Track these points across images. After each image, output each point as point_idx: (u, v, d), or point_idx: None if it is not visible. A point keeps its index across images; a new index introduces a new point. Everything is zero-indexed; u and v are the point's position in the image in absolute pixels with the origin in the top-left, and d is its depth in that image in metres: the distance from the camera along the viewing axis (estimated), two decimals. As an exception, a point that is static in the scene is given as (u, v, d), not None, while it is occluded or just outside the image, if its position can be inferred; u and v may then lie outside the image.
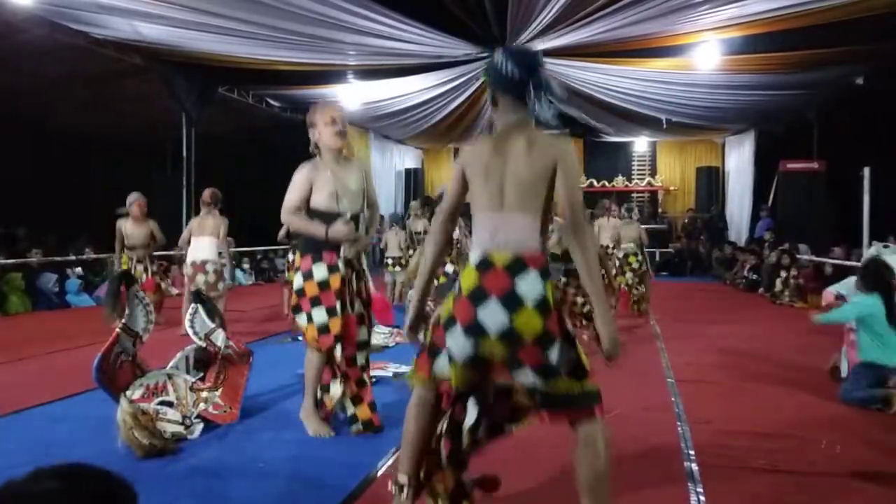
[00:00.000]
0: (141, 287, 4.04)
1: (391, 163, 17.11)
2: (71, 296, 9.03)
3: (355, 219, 3.29)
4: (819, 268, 9.93)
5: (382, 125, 14.76)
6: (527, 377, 1.93)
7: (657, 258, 14.79)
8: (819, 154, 12.11)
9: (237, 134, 13.58)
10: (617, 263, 7.47)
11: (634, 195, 17.46)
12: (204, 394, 3.54)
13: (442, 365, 2.02)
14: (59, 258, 9.39)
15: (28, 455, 3.03)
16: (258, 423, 3.61)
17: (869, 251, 5.53)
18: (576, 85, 11.30)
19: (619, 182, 17.31)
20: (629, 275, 7.50)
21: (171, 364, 3.67)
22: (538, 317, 1.90)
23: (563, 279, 5.58)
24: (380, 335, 5.77)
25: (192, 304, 3.90)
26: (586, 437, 1.96)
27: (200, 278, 6.18)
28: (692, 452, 3.15)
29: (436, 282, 3.43)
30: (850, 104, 10.57)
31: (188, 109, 10.12)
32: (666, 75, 10.39)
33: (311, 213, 3.27)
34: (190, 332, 3.75)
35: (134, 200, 6.74)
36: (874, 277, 4.26)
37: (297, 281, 3.34)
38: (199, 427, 3.42)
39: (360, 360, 3.38)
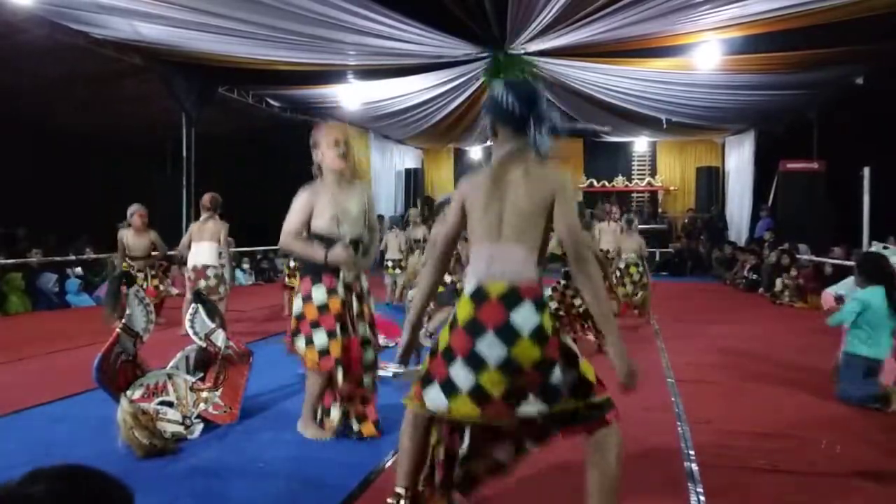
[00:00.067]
0: (140, 290, 4.04)
1: (391, 163, 17.11)
2: (71, 296, 9.03)
3: (355, 243, 3.28)
4: (819, 268, 9.93)
5: (382, 125, 14.77)
6: (532, 407, 1.93)
7: (657, 258, 14.80)
8: (819, 154, 12.11)
9: (237, 134, 13.58)
10: (618, 273, 7.47)
11: (634, 195, 17.46)
12: (204, 394, 3.54)
13: (433, 397, 2.00)
14: (59, 258, 9.39)
15: (28, 455, 3.03)
16: (258, 423, 3.61)
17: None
18: (576, 85, 11.31)
19: (619, 182, 17.29)
20: (630, 287, 7.50)
21: (171, 364, 3.67)
22: (536, 347, 1.91)
23: (563, 281, 5.58)
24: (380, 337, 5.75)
25: (193, 305, 3.90)
26: (597, 443, 1.97)
27: (202, 283, 6.18)
28: (692, 452, 3.15)
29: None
30: (850, 104, 10.57)
31: (188, 109, 10.11)
32: (666, 75, 10.38)
33: (312, 237, 3.27)
34: (190, 332, 3.75)
35: (135, 211, 6.72)
36: (874, 269, 4.27)
37: (297, 305, 3.33)
38: (199, 427, 3.42)
39: (367, 381, 3.36)
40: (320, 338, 3.23)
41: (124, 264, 6.73)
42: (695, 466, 2.97)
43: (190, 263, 6.33)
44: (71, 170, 12.46)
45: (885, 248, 5.21)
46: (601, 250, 7.87)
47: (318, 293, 3.25)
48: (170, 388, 3.46)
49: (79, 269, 9.41)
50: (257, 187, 13.55)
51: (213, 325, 3.78)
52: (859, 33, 7.67)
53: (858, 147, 10.12)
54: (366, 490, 2.71)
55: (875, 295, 4.17)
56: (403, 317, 3.86)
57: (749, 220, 14.58)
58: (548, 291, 5.47)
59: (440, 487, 2.16)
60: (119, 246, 6.76)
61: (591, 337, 5.56)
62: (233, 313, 7.10)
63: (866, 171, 7.88)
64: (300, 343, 3.30)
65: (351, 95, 11.58)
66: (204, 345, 3.75)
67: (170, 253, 7.18)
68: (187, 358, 3.78)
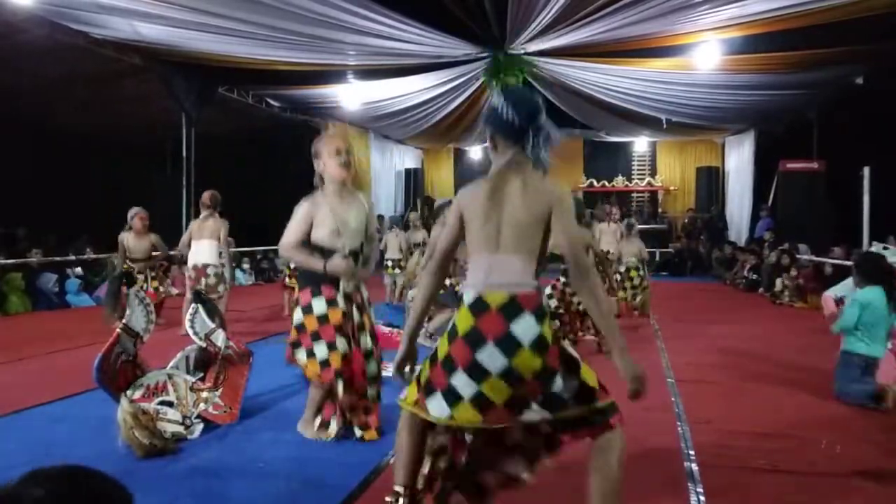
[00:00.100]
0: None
1: (391, 163, 17.10)
2: (71, 296, 9.03)
3: (354, 254, 3.27)
4: (819, 268, 9.92)
5: (382, 125, 14.76)
6: (534, 414, 1.94)
7: (657, 258, 14.80)
8: (819, 154, 12.10)
9: (237, 134, 13.58)
10: (618, 278, 7.48)
11: (634, 195, 17.47)
12: (204, 394, 3.54)
13: (436, 407, 2.01)
14: (59, 258, 9.39)
15: (28, 455, 3.03)
16: (258, 423, 3.61)
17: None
18: (576, 85, 11.31)
19: (619, 182, 17.29)
20: (630, 291, 7.52)
21: (171, 364, 3.68)
22: (536, 357, 1.91)
23: (562, 279, 5.59)
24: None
25: (193, 305, 3.90)
26: (600, 448, 1.97)
27: (202, 282, 6.19)
28: (692, 452, 3.15)
29: None
30: (850, 104, 10.57)
31: (188, 109, 10.11)
32: (666, 75, 10.39)
33: (312, 248, 3.26)
34: (190, 332, 3.75)
35: (135, 214, 6.73)
36: (872, 269, 4.28)
37: (297, 316, 3.32)
38: (199, 427, 3.42)
39: (371, 392, 3.35)
40: (321, 350, 3.23)
41: (125, 266, 6.75)
42: (695, 466, 2.97)
43: (190, 262, 6.33)
44: (71, 170, 12.46)
45: (884, 248, 5.21)
46: (601, 250, 7.87)
47: (318, 304, 3.24)
48: (170, 388, 3.46)
49: (79, 269, 9.41)
50: (257, 187, 13.56)
51: (213, 325, 3.78)
52: (859, 33, 7.67)
53: (858, 147, 10.13)
54: (366, 490, 2.71)
55: (874, 294, 4.17)
56: (403, 316, 3.85)
57: (749, 220, 14.58)
58: (547, 290, 5.47)
59: (437, 498, 2.16)
60: (119, 248, 6.77)
61: (591, 336, 5.57)
62: (233, 313, 7.10)
63: (866, 171, 7.88)
64: (301, 355, 3.30)
65: (351, 95, 11.58)
66: (204, 345, 3.75)
67: (171, 253, 7.19)
68: (187, 358, 3.79)
